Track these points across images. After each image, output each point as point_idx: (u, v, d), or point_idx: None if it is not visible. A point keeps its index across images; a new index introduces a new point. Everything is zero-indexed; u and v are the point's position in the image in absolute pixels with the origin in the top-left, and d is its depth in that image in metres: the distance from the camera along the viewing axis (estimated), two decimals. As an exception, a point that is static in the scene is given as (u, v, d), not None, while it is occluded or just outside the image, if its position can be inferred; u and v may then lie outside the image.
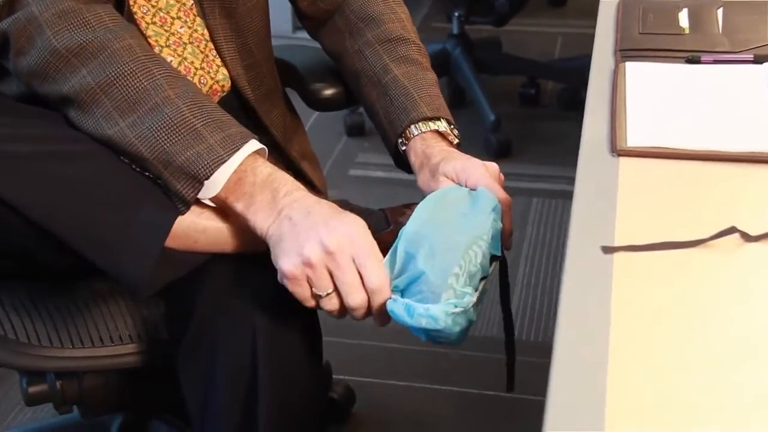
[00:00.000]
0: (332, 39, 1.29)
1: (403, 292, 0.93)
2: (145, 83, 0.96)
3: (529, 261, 2.15)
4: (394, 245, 0.97)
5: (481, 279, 0.97)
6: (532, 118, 2.82)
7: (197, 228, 0.99)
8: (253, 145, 0.98)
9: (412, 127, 1.15)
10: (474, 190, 1.06)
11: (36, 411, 1.64)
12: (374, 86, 1.20)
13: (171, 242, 0.98)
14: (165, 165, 0.95)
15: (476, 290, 0.95)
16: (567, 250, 0.83)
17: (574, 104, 2.81)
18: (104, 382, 1.23)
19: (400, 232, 0.98)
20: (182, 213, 0.97)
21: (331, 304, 0.94)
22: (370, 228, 0.95)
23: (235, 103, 1.21)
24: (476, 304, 0.94)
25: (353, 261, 0.92)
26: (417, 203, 1.11)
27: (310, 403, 1.05)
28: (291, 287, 0.93)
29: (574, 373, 0.69)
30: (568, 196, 2.42)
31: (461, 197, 1.04)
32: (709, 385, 0.67)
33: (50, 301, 1.17)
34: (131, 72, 0.97)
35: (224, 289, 1.02)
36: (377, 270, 0.93)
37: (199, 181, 0.95)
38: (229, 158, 0.95)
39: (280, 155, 1.27)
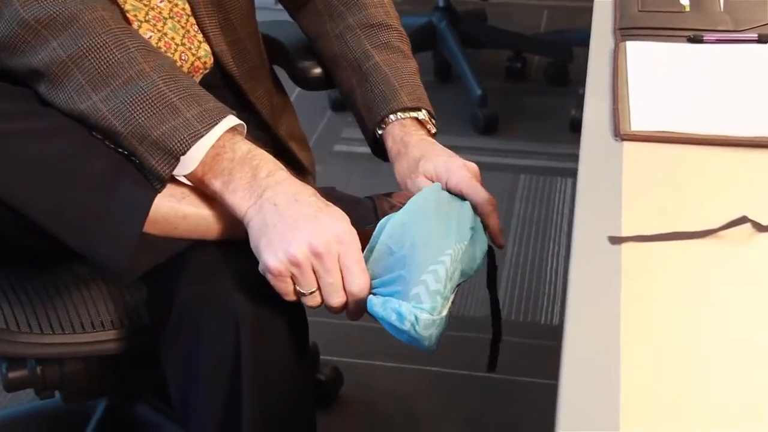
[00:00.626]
0: (311, 21, 1.25)
1: (380, 290, 0.92)
2: (119, 56, 0.93)
3: (517, 239, 2.13)
4: (374, 236, 0.94)
5: (457, 285, 0.95)
6: (519, 92, 2.79)
7: (177, 214, 0.96)
8: (231, 120, 0.95)
9: (391, 116, 1.13)
10: (457, 192, 1.04)
11: (17, 394, 1.60)
12: (354, 72, 1.17)
13: (150, 227, 0.95)
14: (140, 140, 0.92)
15: (452, 292, 0.92)
16: (573, 241, 0.79)
17: (560, 79, 2.78)
18: (86, 368, 1.20)
19: (382, 221, 0.95)
20: (159, 191, 0.94)
21: (314, 301, 0.93)
22: (356, 220, 0.93)
23: (220, 79, 1.17)
24: (448, 312, 0.91)
25: (338, 262, 0.91)
26: (402, 191, 1.07)
27: (296, 393, 1.02)
28: (274, 282, 0.91)
29: (585, 371, 0.67)
30: (556, 172, 2.45)
31: (449, 202, 1.02)
32: (723, 379, 0.65)
33: (29, 285, 1.13)
34: (104, 44, 0.93)
35: (207, 276, 0.99)
36: (360, 275, 0.91)
37: (175, 157, 0.92)
38: (206, 132, 0.92)
39: (267, 134, 1.23)
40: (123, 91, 0.92)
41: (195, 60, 1.12)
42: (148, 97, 0.92)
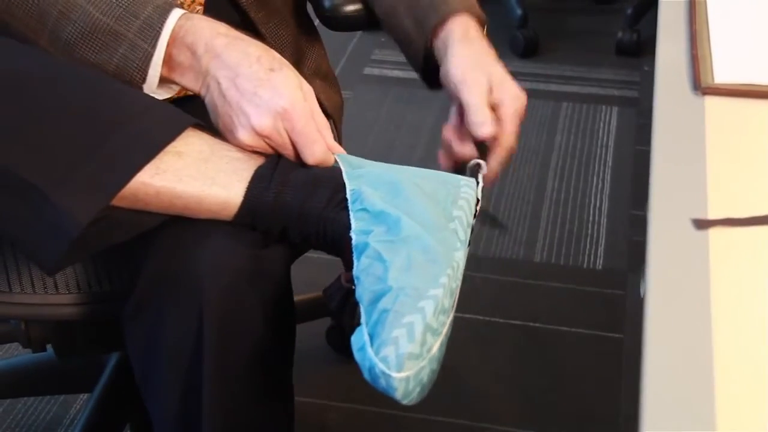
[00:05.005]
0: None
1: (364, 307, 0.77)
2: None
3: (558, 174, 1.99)
4: (359, 240, 0.81)
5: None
6: (562, 12, 2.64)
7: (148, 191, 0.84)
8: (172, 20, 0.88)
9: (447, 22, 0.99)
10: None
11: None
12: None
13: (118, 202, 0.84)
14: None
15: (448, 320, 0.78)
16: (650, 225, 0.67)
17: (607, -4, 2.63)
18: (72, 325, 1.11)
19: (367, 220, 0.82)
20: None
21: (291, 156, 0.88)
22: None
23: (236, 18, 1.04)
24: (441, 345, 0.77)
25: (310, 115, 0.87)
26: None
27: (266, 381, 0.92)
28: (245, 145, 0.87)
29: (673, 378, 0.55)
30: (601, 100, 2.30)
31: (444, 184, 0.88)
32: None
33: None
34: None
35: (176, 252, 0.88)
36: (312, 146, 0.87)
37: (138, 85, 0.88)
38: (154, 50, 0.87)
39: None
40: (60, 29, 0.87)
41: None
42: (85, 31, 0.87)
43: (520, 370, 1.54)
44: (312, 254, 1.01)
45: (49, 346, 1.15)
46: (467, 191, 0.88)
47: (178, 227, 0.88)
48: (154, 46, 0.87)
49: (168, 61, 0.88)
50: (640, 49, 2.40)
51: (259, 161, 0.88)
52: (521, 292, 1.71)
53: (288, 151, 0.88)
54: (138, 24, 0.87)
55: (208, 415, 0.87)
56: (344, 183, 0.86)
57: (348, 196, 0.84)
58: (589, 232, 1.84)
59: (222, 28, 0.89)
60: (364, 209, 0.82)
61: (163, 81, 0.90)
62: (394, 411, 1.46)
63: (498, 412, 1.46)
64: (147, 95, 0.89)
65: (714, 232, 0.66)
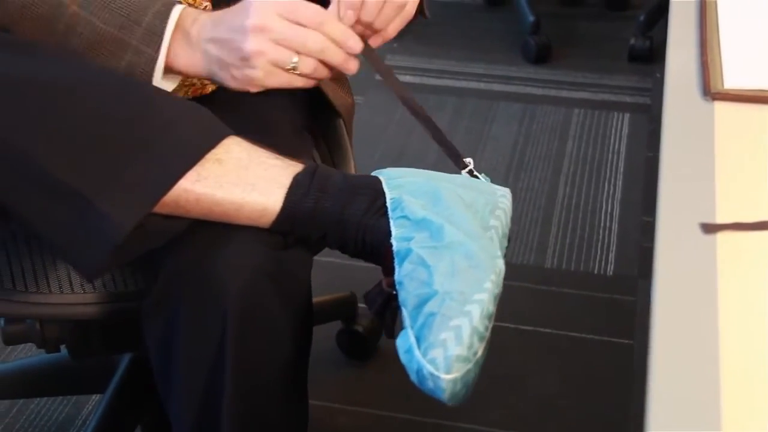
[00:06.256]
0: None
1: (406, 300, 0.78)
2: (44, 8, 0.88)
3: (570, 180, 2.00)
4: (400, 241, 0.82)
5: None
6: (574, 18, 2.63)
7: (189, 198, 0.86)
8: (173, 17, 0.91)
9: None
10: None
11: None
12: None
13: (159, 209, 0.85)
14: None
15: (490, 324, 0.79)
16: (657, 229, 0.67)
17: (619, 3, 2.62)
18: (87, 325, 1.13)
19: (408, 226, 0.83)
20: None
21: (307, 65, 0.90)
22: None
23: None
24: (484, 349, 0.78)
25: (286, 20, 0.89)
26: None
27: (285, 384, 0.93)
28: (268, 82, 0.90)
29: (677, 381, 0.56)
30: (613, 106, 2.30)
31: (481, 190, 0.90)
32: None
33: (10, 241, 1.05)
34: (26, 2, 0.88)
35: (197, 253, 0.89)
36: (308, 10, 0.89)
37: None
38: (158, 54, 0.90)
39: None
40: (68, 42, 0.90)
41: None
42: (92, 41, 0.90)
43: (531, 376, 1.55)
44: (322, 258, 1.02)
45: (62, 347, 1.17)
46: (504, 201, 0.89)
47: (199, 227, 0.89)
48: (158, 51, 0.90)
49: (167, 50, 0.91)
50: (653, 55, 2.40)
51: (297, 168, 0.88)
52: (532, 297, 1.71)
53: (289, 59, 0.89)
54: (141, 31, 0.90)
55: (227, 414, 0.88)
56: (382, 190, 0.86)
57: (388, 204, 0.85)
58: (600, 238, 1.84)
59: (204, 11, 0.93)
60: (404, 216, 0.83)
61: (166, 71, 0.92)
62: (404, 415, 1.46)
63: (508, 417, 1.46)
64: (185, 102, 0.90)
65: (722, 237, 0.66)
